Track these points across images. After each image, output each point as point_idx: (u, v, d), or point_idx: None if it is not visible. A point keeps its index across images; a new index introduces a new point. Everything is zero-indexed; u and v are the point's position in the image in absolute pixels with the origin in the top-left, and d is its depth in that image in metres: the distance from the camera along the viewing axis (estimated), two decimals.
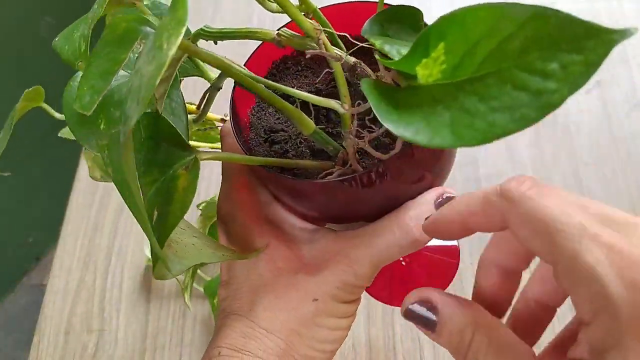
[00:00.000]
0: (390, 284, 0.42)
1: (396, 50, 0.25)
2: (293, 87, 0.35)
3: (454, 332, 0.25)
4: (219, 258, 0.30)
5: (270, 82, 0.29)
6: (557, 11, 0.20)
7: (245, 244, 0.33)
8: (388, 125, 0.22)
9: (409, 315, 0.28)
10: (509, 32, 0.21)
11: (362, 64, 0.28)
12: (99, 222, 0.65)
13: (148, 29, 0.25)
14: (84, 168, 0.70)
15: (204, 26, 0.28)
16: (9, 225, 1.30)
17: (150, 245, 0.24)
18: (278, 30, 0.31)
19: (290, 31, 0.29)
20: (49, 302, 0.61)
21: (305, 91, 0.35)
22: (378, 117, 0.22)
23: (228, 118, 0.33)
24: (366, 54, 0.32)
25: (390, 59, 0.25)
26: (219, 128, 0.39)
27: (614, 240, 0.20)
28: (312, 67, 0.37)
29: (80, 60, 0.25)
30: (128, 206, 0.24)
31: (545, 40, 0.20)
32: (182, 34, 0.19)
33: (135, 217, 0.24)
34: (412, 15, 0.28)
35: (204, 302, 0.59)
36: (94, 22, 0.25)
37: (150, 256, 0.60)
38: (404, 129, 0.22)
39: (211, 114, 0.42)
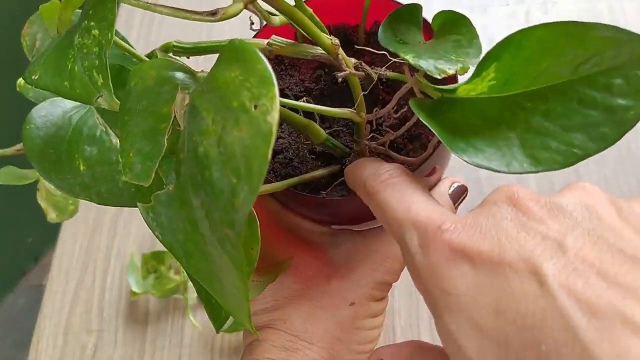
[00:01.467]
0: None
1: (433, 65, 0.24)
2: (281, 89, 0.34)
3: None
4: (255, 291, 0.29)
5: (285, 100, 0.29)
6: (615, 28, 0.19)
7: (265, 259, 0.32)
8: (459, 154, 0.22)
9: None
10: (565, 48, 0.20)
11: (363, 65, 0.28)
12: (98, 223, 0.65)
13: (180, 74, 0.23)
14: None
15: (175, 41, 0.26)
16: (8, 225, 1.29)
17: (231, 308, 0.21)
18: (255, 33, 0.30)
19: (282, 39, 0.28)
20: (48, 302, 0.61)
21: (296, 92, 0.35)
22: (446, 145, 0.22)
23: None
24: (358, 51, 0.32)
25: (429, 76, 0.25)
26: None
27: (429, 216, 0.22)
28: (296, 65, 0.36)
29: (99, 94, 0.22)
30: (186, 267, 0.22)
31: (604, 56, 0.19)
32: (278, 96, 0.17)
33: (202, 278, 0.21)
34: (413, 12, 0.29)
35: None
36: (106, 48, 0.22)
37: (136, 290, 0.58)
38: (477, 157, 0.22)
39: None
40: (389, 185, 0.24)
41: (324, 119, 0.33)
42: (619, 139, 0.20)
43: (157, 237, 0.22)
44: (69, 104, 0.30)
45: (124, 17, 0.81)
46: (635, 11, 0.70)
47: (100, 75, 0.22)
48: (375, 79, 0.28)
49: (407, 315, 0.54)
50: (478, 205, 0.22)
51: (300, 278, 0.32)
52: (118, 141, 0.29)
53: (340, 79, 0.27)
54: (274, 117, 0.16)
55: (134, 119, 0.21)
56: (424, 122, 0.23)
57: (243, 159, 0.17)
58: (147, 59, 0.26)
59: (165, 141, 0.21)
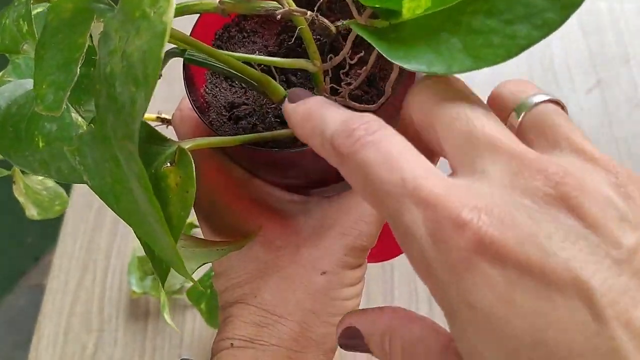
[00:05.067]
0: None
1: None
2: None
3: (379, 346, 0.23)
4: (216, 255, 0.28)
5: (237, 54, 0.28)
6: None
7: (234, 230, 0.30)
8: (398, 62, 0.21)
9: (345, 348, 0.25)
10: None
11: (320, 17, 0.27)
12: (98, 223, 0.65)
13: (98, 5, 0.21)
14: None
15: None
16: (8, 225, 1.29)
17: (162, 250, 0.21)
18: None
19: None
20: (48, 302, 0.61)
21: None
22: (385, 55, 0.21)
23: (164, 116, 0.31)
24: (312, 5, 0.31)
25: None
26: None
27: (434, 192, 0.17)
28: (258, 31, 0.35)
29: (24, 42, 0.22)
30: (119, 213, 0.20)
31: None
32: None
33: (132, 222, 0.20)
34: None
35: None
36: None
37: (136, 290, 0.58)
38: (417, 63, 0.21)
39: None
40: (367, 145, 0.19)
41: (289, 83, 0.32)
42: (563, 23, 0.19)
43: (86, 183, 0.21)
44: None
45: None
46: (635, 12, 0.70)
47: (25, 23, 0.22)
48: (333, 29, 0.27)
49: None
50: (499, 178, 0.18)
51: (269, 248, 0.30)
52: (79, 117, 0.29)
53: (279, 17, 0.26)
54: (169, 16, 0.16)
55: (49, 52, 0.21)
56: (362, 36, 0.22)
57: (141, 64, 0.16)
58: None
59: (79, 69, 0.20)
